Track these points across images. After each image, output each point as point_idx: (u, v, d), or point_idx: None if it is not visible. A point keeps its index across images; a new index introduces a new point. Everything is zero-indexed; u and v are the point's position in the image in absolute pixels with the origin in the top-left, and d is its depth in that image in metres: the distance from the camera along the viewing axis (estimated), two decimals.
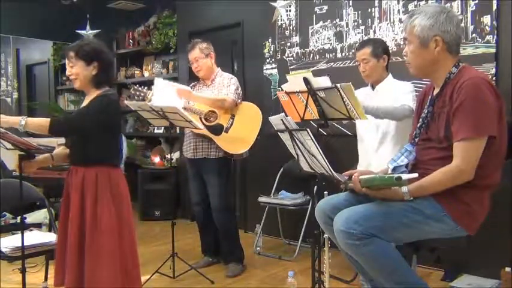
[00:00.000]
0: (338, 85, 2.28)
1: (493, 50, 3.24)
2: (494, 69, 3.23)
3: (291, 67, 4.40)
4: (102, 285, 2.38)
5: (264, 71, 4.63)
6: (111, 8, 6.18)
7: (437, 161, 2.01)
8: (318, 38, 4.21)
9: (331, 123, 2.54)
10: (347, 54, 4.02)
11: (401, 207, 2.00)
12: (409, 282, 2.02)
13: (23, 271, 2.51)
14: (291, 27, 4.40)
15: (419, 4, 3.57)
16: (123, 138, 4.77)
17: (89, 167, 2.46)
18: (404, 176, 1.91)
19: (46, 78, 7.15)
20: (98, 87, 2.53)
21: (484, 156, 1.94)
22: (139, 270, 2.58)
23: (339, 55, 4.08)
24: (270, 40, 4.57)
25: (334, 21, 4.09)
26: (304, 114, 2.53)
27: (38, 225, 4.37)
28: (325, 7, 4.14)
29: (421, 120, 2.15)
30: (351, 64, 3.97)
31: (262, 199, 4.17)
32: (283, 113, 2.39)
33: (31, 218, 4.65)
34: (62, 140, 2.72)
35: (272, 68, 4.57)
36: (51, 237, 2.78)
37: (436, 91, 2.12)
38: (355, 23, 3.96)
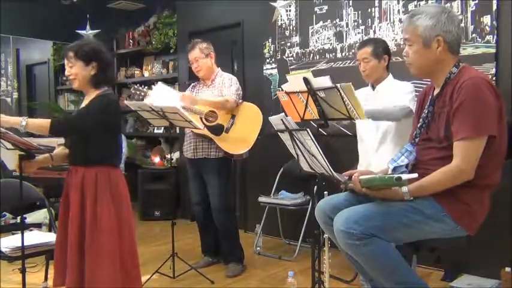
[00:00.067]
0: (338, 85, 2.28)
1: (493, 50, 3.24)
2: (494, 69, 3.23)
3: (291, 67, 4.40)
4: (102, 285, 2.38)
5: (264, 71, 4.63)
6: (111, 8, 6.18)
7: (438, 161, 2.01)
8: (318, 38, 4.21)
9: (331, 123, 2.54)
10: (347, 54, 4.03)
11: (401, 207, 2.00)
12: (409, 282, 2.02)
13: (23, 271, 2.51)
14: (291, 27, 4.40)
15: (419, 4, 3.57)
16: (123, 138, 4.77)
17: (88, 167, 2.46)
18: (404, 176, 1.91)
19: (46, 78, 7.15)
20: (97, 87, 2.53)
21: (484, 156, 1.94)
22: (139, 270, 2.58)
23: (339, 55, 4.08)
24: (270, 40, 4.57)
25: (334, 21, 4.09)
26: (304, 114, 2.53)
27: (38, 225, 4.37)
28: (325, 7, 4.14)
29: (421, 120, 2.15)
30: (351, 64, 3.97)
31: (262, 199, 4.17)
32: (283, 113, 2.38)
33: (31, 218, 4.65)
34: (62, 140, 2.72)
35: (272, 68, 4.57)
36: (51, 237, 2.78)
37: (436, 91, 2.12)
38: (355, 23, 3.96)
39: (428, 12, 2.03)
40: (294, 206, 3.99)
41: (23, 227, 2.59)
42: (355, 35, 3.96)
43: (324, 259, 2.73)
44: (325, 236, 2.63)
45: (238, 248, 3.73)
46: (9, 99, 6.80)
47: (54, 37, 6.73)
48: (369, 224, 1.97)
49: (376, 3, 3.82)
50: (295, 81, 2.46)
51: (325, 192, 2.62)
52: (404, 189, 1.98)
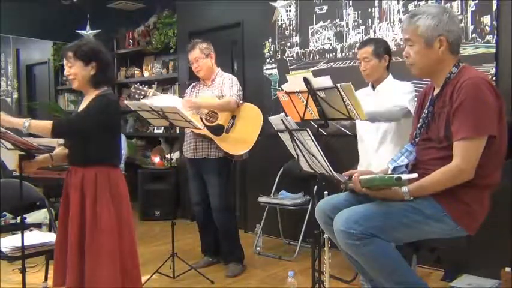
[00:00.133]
0: (338, 85, 2.28)
1: (493, 50, 3.24)
2: (494, 69, 3.23)
3: (291, 67, 4.40)
4: (102, 285, 2.38)
5: (264, 71, 4.63)
6: (111, 8, 6.18)
7: (438, 161, 2.01)
8: (318, 38, 4.21)
9: (331, 123, 2.54)
10: (347, 54, 4.03)
11: (402, 207, 2.00)
12: (409, 282, 2.02)
13: (23, 271, 2.51)
14: (291, 27, 4.40)
15: (419, 4, 3.57)
16: (123, 138, 4.77)
17: (88, 167, 2.47)
18: (405, 176, 1.91)
19: (46, 78, 7.16)
20: (96, 87, 2.53)
21: (484, 155, 1.94)
22: (139, 270, 2.58)
23: (339, 55, 4.08)
24: (270, 40, 4.57)
25: (334, 21, 4.09)
26: (304, 114, 2.53)
27: (38, 225, 4.37)
28: (325, 7, 4.14)
29: (421, 120, 2.15)
30: (351, 64, 3.97)
31: (262, 199, 4.17)
32: (283, 113, 2.38)
33: (31, 218, 4.66)
34: (62, 140, 2.72)
35: (272, 68, 4.57)
36: (51, 237, 2.78)
37: (436, 91, 2.12)
38: (355, 23, 3.96)
39: (430, 12, 2.03)
40: (294, 206, 3.99)
41: (23, 227, 2.59)
42: (355, 35, 3.96)
43: (324, 259, 2.73)
44: (325, 236, 2.63)
45: (238, 248, 3.73)
46: (9, 99, 6.80)
47: (54, 37, 6.74)
48: (369, 224, 1.97)
49: (376, 3, 3.82)
50: (295, 81, 2.46)
51: (325, 192, 2.62)
52: (404, 189, 1.98)
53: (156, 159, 5.76)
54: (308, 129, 2.15)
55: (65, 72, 2.55)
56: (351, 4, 3.98)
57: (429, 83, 2.24)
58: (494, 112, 1.94)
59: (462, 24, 3.31)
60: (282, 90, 2.64)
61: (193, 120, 3.12)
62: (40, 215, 4.67)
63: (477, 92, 1.92)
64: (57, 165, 2.91)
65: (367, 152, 3.08)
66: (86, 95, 2.58)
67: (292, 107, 2.58)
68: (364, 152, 3.11)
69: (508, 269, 2.99)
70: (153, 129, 6.01)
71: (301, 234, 4.00)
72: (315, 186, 2.73)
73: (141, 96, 3.50)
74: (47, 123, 2.41)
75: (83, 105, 2.54)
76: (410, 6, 3.60)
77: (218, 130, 3.52)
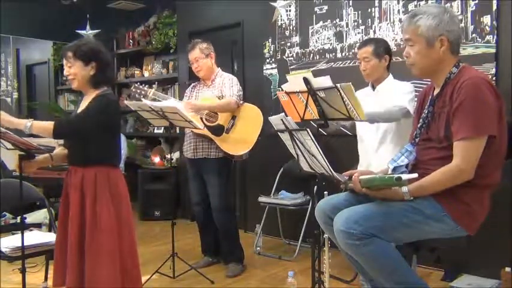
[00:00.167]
0: (338, 85, 2.28)
1: (493, 50, 3.24)
2: (494, 69, 3.23)
3: (291, 67, 4.40)
4: (102, 285, 2.38)
5: (264, 71, 4.63)
6: (111, 8, 6.18)
7: (438, 161, 2.01)
8: (318, 38, 4.21)
9: (331, 123, 2.54)
10: (347, 54, 4.03)
11: (402, 207, 2.00)
12: (409, 282, 2.02)
13: (23, 271, 2.51)
14: (291, 27, 4.40)
15: (419, 4, 3.57)
16: (123, 138, 4.77)
17: (88, 167, 2.47)
18: (405, 176, 1.91)
19: (46, 78, 7.16)
20: (96, 87, 2.53)
21: (484, 155, 1.94)
22: (139, 270, 2.58)
23: (339, 55, 4.08)
24: (270, 40, 4.57)
25: (334, 21, 4.09)
26: (304, 114, 2.53)
27: (38, 225, 4.37)
28: (325, 7, 4.14)
29: (421, 120, 2.15)
30: (351, 64, 3.97)
31: (262, 199, 4.17)
32: (283, 113, 2.38)
33: (31, 218, 4.66)
34: (62, 140, 2.72)
35: (272, 68, 4.57)
36: (51, 237, 2.78)
37: (436, 91, 2.12)
38: (355, 23, 3.96)
39: (431, 12, 2.03)
40: (294, 206, 3.99)
41: (23, 227, 2.59)
42: (355, 35, 3.96)
43: (324, 259, 2.73)
44: (325, 236, 2.63)
45: (238, 248, 3.73)
46: (9, 99, 6.80)
47: (54, 37, 6.74)
48: (369, 224, 1.97)
49: (376, 3, 3.82)
50: (295, 81, 2.46)
51: (325, 192, 2.62)
52: (405, 189, 1.98)
53: (156, 159, 5.76)
54: (308, 129, 2.15)
55: (65, 72, 2.55)
56: (351, 4, 3.98)
57: (429, 83, 2.24)
58: (494, 112, 1.94)
59: (462, 24, 3.32)
60: (282, 90, 2.64)
61: (193, 120, 3.12)
62: (40, 215, 4.67)
63: (477, 92, 1.92)
64: (57, 165, 2.91)
65: (367, 152, 3.08)
66: (86, 95, 2.58)
67: (292, 107, 2.58)
68: (364, 152, 3.11)
69: (508, 269, 2.99)
70: (153, 129, 6.01)
71: (301, 234, 4.00)
72: (315, 186, 2.73)
73: (142, 96, 3.51)
74: (49, 124, 2.41)
75: (82, 106, 2.54)
76: (411, 6, 3.60)
77: (218, 130, 3.52)
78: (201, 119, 3.50)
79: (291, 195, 4.15)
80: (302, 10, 4.31)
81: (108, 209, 2.43)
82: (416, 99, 2.65)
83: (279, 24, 4.48)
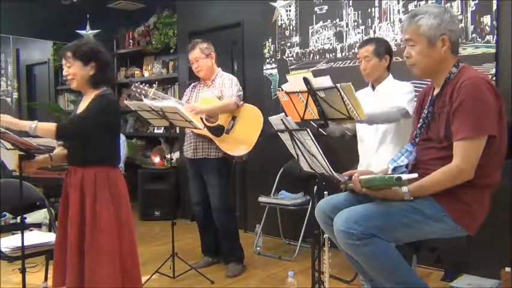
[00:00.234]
0: (338, 85, 2.28)
1: (493, 50, 3.24)
2: (494, 69, 3.23)
3: (291, 67, 4.40)
4: (102, 285, 2.38)
5: (264, 71, 4.63)
6: (111, 8, 6.18)
7: (438, 161, 2.01)
8: (318, 38, 4.21)
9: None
10: (347, 54, 4.03)
11: (402, 207, 2.00)
12: (409, 282, 2.02)
13: (23, 271, 2.51)
14: (291, 27, 4.40)
15: (419, 4, 3.57)
16: (123, 138, 4.77)
17: (87, 167, 2.47)
18: (404, 176, 1.91)
19: (46, 78, 7.15)
20: (95, 87, 2.53)
21: (484, 155, 1.94)
22: (139, 270, 2.58)
23: (339, 55, 4.08)
24: (270, 40, 4.57)
25: (334, 21, 4.09)
26: (304, 114, 2.53)
27: (38, 225, 4.37)
28: (325, 7, 4.14)
29: (421, 120, 2.15)
30: (351, 64, 3.97)
31: (262, 199, 4.17)
32: (283, 113, 2.38)
33: (31, 218, 4.65)
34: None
35: (272, 68, 4.57)
36: (51, 237, 2.78)
37: (436, 91, 2.12)
38: (355, 23, 3.96)
39: (432, 12, 2.03)
40: (294, 206, 3.99)
41: (23, 227, 2.59)
42: (355, 35, 3.96)
43: (324, 259, 2.73)
44: (325, 236, 2.63)
45: (238, 248, 3.73)
46: (9, 99, 6.80)
47: (54, 37, 6.74)
48: (369, 224, 1.97)
49: (376, 3, 3.82)
50: (295, 81, 2.46)
51: (325, 192, 2.62)
52: (405, 189, 1.98)
53: (156, 159, 5.76)
54: (308, 129, 2.15)
55: (64, 72, 2.55)
56: (351, 4, 3.98)
57: (429, 83, 2.24)
58: (494, 112, 1.94)
59: (462, 24, 3.32)
60: (282, 90, 2.64)
61: (194, 120, 3.12)
62: (40, 215, 4.67)
63: (477, 92, 1.93)
64: (57, 165, 2.91)
65: (367, 152, 3.08)
66: (85, 95, 2.58)
67: (292, 107, 2.58)
68: (364, 152, 3.11)
69: (508, 269, 2.98)
70: (153, 129, 6.01)
71: (301, 234, 4.00)
72: (315, 186, 2.72)
73: (142, 95, 3.50)
74: (52, 126, 2.42)
75: (82, 106, 2.54)
76: (411, 6, 3.60)
77: (218, 131, 3.52)
78: (201, 119, 3.50)
79: (291, 195, 4.14)
80: (302, 10, 4.31)
81: (108, 209, 2.43)
82: (416, 99, 2.65)
83: (279, 24, 4.48)
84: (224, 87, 3.57)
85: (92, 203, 2.42)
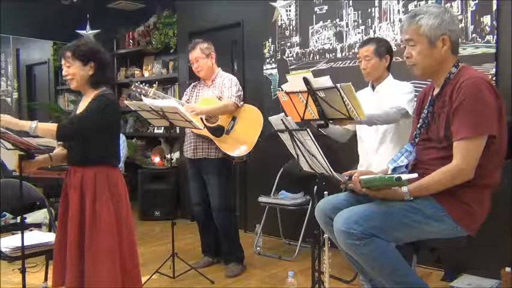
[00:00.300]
0: (338, 85, 2.28)
1: (493, 50, 3.24)
2: (494, 69, 3.23)
3: (291, 67, 4.40)
4: (102, 285, 2.38)
5: (264, 71, 4.63)
6: (111, 8, 6.18)
7: (438, 161, 2.01)
8: (318, 38, 4.21)
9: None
10: (347, 54, 4.02)
11: (402, 207, 2.00)
12: (409, 282, 2.02)
13: (23, 271, 2.50)
14: (291, 27, 4.40)
15: (419, 4, 3.57)
16: (123, 138, 4.77)
17: (87, 167, 2.46)
18: (404, 176, 1.91)
19: (46, 78, 7.15)
20: (95, 87, 2.53)
21: (484, 155, 1.94)
22: (139, 270, 2.58)
23: (339, 55, 4.08)
24: (270, 40, 4.57)
25: (334, 21, 4.09)
26: (304, 114, 2.53)
27: (38, 225, 4.38)
28: (325, 7, 4.14)
29: (421, 120, 2.16)
30: (351, 64, 3.97)
31: (262, 199, 4.17)
32: (283, 113, 2.39)
33: (31, 218, 4.66)
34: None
35: (272, 68, 4.57)
36: (51, 237, 2.78)
37: (436, 91, 2.12)
38: (355, 23, 3.96)
39: (432, 12, 2.03)
40: (294, 206, 3.99)
41: (23, 227, 2.58)
42: (355, 35, 3.96)
43: (324, 259, 2.73)
44: (325, 236, 2.63)
45: (238, 248, 3.73)
46: (9, 99, 6.80)
47: (54, 37, 6.74)
48: (368, 224, 1.98)
49: (376, 3, 3.82)
50: (295, 81, 2.46)
51: (325, 192, 2.61)
52: (404, 189, 1.98)
53: (156, 159, 5.76)
54: (308, 129, 2.15)
55: (64, 73, 2.55)
56: (351, 4, 3.98)
57: (429, 83, 2.24)
58: (494, 112, 1.94)
59: (462, 24, 3.32)
60: (282, 90, 2.64)
61: (194, 120, 3.12)
62: (40, 215, 4.67)
63: (477, 91, 1.93)
64: (57, 165, 2.91)
65: (367, 152, 3.08)
66: (85, 95, 2.58)
67: (292, 107, 2.58)
68: (364, 152, 3.11)
69: (508, 269, 2.98)
70: (153, 129, 6.01)
71: (301, 234, 4.00)
72: (315, 186, 2.72)
73: (142, 95, 3.50)
74: (52, 126, 2.42)
75: (81, 106, 2.54)
76: (411, 6, 3.60)
77: (218, 131, 3.52)
78: (201, 119, 3.50)
79: (291, 195, 4.15)
80: (302, 10, 4.31)
81: (108, 208, 2.43)
82: (416, 99, 2.65)
83: (279, 24, 4.48)
84: (224, 87, 3.57)
85: (92, 203, 2.42)
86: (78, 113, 2.51)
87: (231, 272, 3.59)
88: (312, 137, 2.13)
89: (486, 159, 1.95)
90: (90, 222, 2.40)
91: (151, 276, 3.39)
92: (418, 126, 2.16)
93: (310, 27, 4.25)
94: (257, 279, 3.54)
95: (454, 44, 2.06)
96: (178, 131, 5.05)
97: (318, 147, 2.13)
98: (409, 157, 2.13)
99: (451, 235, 2.03)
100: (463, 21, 3.33)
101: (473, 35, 3.32)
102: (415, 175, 1.96)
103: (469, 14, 3.34)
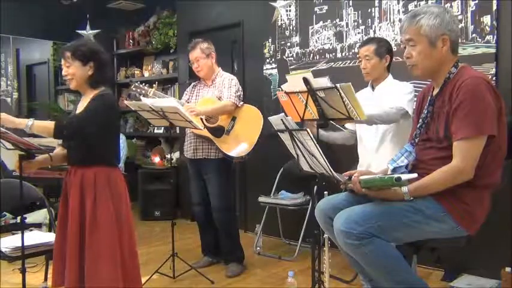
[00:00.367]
0: (338, 85, 2.28)
1: (493, 50, 3.24)
2: (494, 69, 3.23)
3: (291, 67, 4.40)
4: (102, 285, 2.38)
5: (264, 71, 4.63)
6: (111, 8, 6.18)
7: (437, 161, 2.01)
8: (318, 38, 4.21)
9: (330, 123, 2.54)
10: (347, 54, 4.02)
11: (402, 207, 2.00)
12: (409, 282, 2.02)
13: (23, 271, 2.50)
14: (291, 27, 4.40)
15: (419, 4, 3.57)
16: (123, 138, 4.77)
17: (87, 167, 2.46)
18: (404, 177, 1.91)
19: (46, 78, 7.15)
20: (94, 87, 2.53)
21: (483, 155, 1.94)
22: (139, 270, 2.59)
23: (339, 55, 4.08)
24: (270, 40, 4.57)
25: (334, 21, 4.09)
26: (304, 114, 2.53)
27: (38, 225, 4.37)
28: (325, 7, 4.14)
29: (420, 120, 2.16)
30: (351, 64, 3.97)
31: (262, 199, 4.17)
32: (283, 113, 2.39)
33: (31, 218, 4.65)
34: (61, 140, 2.72)
35: (272, 68, 4.57)
36: (51, 237, 2.78)
37: (435, 91, 2.12)
38: (355, 23, 3.96)
39: (432, 12, 2.03)
40: (294, 206, 3.99)
41: (23, 227, 2.58)
42: (355, 35, 3.96)
43: (324, 259, 2.73)
44: (325, 236, 2.63)
45: (238, 248, 3.73)
46: (9, 99, 6.79)
47: (54, 37, 6.73)
48: (368, 224, 1.98)
49: (376, 3, 3.82)
50: (295, 81, 2.46)
51: (325, 192, 2.61)
52: (404, 189, 1.98)
53: (156, 159, 5.76)
54: (308, 129, 2.15)
55: (63, 72, 2.55)
56: (351, 4, 3.98)
57: (429, 83, 2.24)
58: (494, 112, 1.94)
59: (462, 24, 3.32)
60: (282, 90, 2.64)
61: (194, 120, 3.12)
62: (40, 215, 4.66)
63: (476, 91, 1.93)
64: (57, 165, 2.91)
65: (367, 152, 3.08)
66: (84, 95, 2.58)
67: (292, 107, 2.58)
68: (364, 152, 3.11)
69: (508, 269, 2.98)
70: (153, 129, 6.01)
71: (301, 234, 4.00)
72: (315, 186, 2.73)
73: (142, 95, 3.50)
74: (49, 124, 2.41)
75: (81, 106, 2.54)
76: (411, 6, 3.60)
77: (218, 131, 3.52)
78: (201, 119, 3.50)
79: (291, 195, 4.15)
80: (302, 10, 4.31)
81: (108, 208, 2.43)
82: (415, 99, 2.65)
83: (279, 24, 4.48)
84: (224, 87, 3.57)
85: (92, 202, 2.42)
86: (77, 113, 2.51)
87: (231, 272, 3.59)
88: (312, 137, 2.13)
89: (486, 159, 1.95)
90: (90, 222, 2.40)
91: (151, 276, 3.39)
92: (418, 126, 2.16)
93: (310, 27, 4.25)
94: (257, 279, 3.54)
95: (454, 44, 2.06)
96: (178, 131, 5.06)
97: (318, 147, 2.13)
98: (409, 157, 2.13)
99: (451, 235, 2.03)
100: (463, 21, 3.33)
101: (473, 35, 3.32)
102: (415, 175, 1.97)
103: (469, 14, 3.34)
